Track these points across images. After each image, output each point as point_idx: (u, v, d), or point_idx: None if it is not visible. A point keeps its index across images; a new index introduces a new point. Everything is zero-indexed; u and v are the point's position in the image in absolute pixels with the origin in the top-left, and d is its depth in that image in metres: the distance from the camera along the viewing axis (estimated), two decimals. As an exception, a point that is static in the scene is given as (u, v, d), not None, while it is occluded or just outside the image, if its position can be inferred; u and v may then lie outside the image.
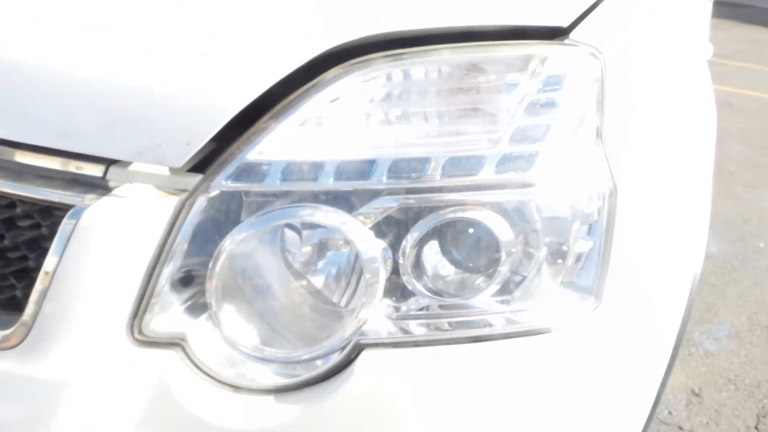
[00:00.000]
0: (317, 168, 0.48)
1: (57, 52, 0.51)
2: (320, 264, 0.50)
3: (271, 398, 0.48)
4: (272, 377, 0.48)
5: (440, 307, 0.49)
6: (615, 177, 0.50)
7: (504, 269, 0.49)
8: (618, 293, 0.51)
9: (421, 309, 0.49)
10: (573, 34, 0.51)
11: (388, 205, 0.48)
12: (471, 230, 0.49)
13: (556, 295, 0.50)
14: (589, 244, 0.50)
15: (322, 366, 0.48)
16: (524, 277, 0.49)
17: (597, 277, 0.51)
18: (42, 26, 0.53)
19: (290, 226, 0.49)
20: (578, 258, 0.50)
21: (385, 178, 0.47)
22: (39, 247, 0.49)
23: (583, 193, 0.50)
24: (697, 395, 1.68)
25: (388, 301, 0.49)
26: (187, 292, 0.49)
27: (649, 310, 0.55)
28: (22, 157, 0.51)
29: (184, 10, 0.55)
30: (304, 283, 0.50)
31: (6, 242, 0.51)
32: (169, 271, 0.47)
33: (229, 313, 0.48)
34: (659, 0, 0.66)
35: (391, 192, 0.47)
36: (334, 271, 0.50)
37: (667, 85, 0.59)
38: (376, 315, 0.48)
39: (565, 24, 0.51)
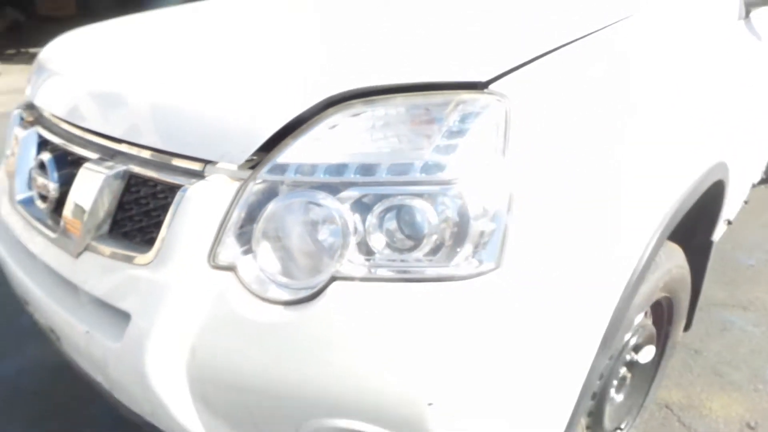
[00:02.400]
0: (318, 168, 0.79)
1: (185, 96, 0.90)
2: (319, 228, 0.80)
3: (281, 307, 0.79)
4: (283, 294, 0.79)
5: (388, 260, 0.77)
6: (513, 182, 0.75)
7: (431, 238, 0.75)
8: (512, 261, 0.75)
9: (376, 260, 0.77)
10: (491, 86, 0.77)
11: (357, 193, 0.77)
12: (410, 211, 0.76)
13: (467, 257, 0.75)
14: (492, 225, 0.75)
15: (313, 289, 0.78)
16: (443, 244, 0.75)
17: (497, 248, 0.75)
18: (174, 74, 0.92)
19: (302, 203, 0.81)
20: (484, 234, 0.75)
21: (353, 176, 0.76)
22: (165, 209, 0.86)
23: (488, 191, 0.75)
24: (752, 428, 1.68)
25: (358, 255, 0.78)
26: (240, 239, 0.82)
27: (538, 277, 0.77)
28: (163, 158, 0.89)
29: (248, 73, 0.91)
30: (308, 239, 0.80)
31: (150, 205, 0.89)
32: (231, 225, 0.81)
33: (263, 253, 0.81)
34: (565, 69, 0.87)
35: (358, 184, 0.77)
36: (326, 232, 0.80)
37: (567, 125, 0.81)
38: (347, 262, 0.77)
39: (484, 79, 0.77)
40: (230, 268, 0.81)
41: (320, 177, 0.78)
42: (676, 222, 1.04)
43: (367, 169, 0.77)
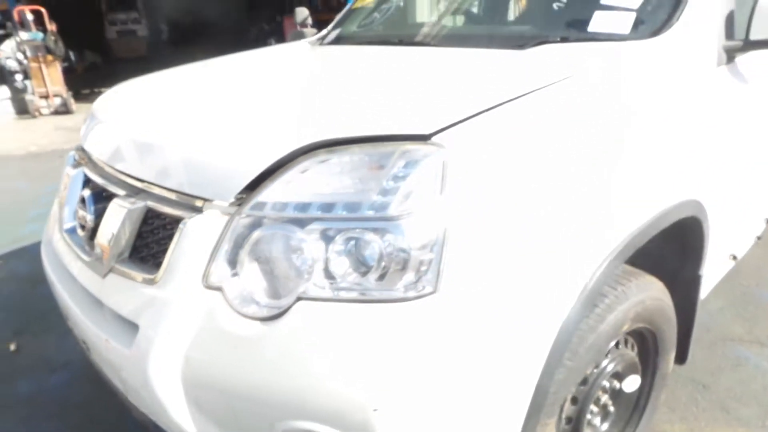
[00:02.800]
0: (289, 205, 0.94)
1: (191, 145, 1.08)
2: (289, 255, 0.95)
3: (257, 322, 0.94)
4: (260, 311, 0.94)
5: (345, 284, 0.91)
6: (449, 218, 0.88)
7: (380, 266, 0.89)
8: (449, 286, 0.87)
9: (335, 284, 0.91)
10: (434, 138, 0.91)
11: (320, 226, 0.92)
12: (362, 243, 0.90)
13: (409, 283, 0.88)
14: (430, 255, 0.88)
15: (282, 308, 0.92)
16: (389, 271, 0.88)
17: (435, 275, 0.87)
18: (185, 126, 1.11)
19: (277, 235, 0.96)
20: (423, 263, 0.88)
21: (317, 212, 0.92)
22: (170, 237, 1.04)
23: (426, 226, 0.88)
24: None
25: (320, 279, 0.92)
26: (228, 264, 0.98)
27: (475, 300, 0.88)
28: (173, 196, 1.08)
29: (239, 127, 1.09)
30: (280, 264, 0.95)
31: (161, 235, 1.07)
32: (221, 251, 0.98)
33: (245, 276, 0.96)
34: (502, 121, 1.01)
35: (321, 219, 0.92)
36: (294, 259, 0.95)
37: (504, 169, 0.94)
38: (311, 285, 0.92)
39: (427, 132, 0.91)
40: (219, 288, 0.98)
41: (291, 213, 0.94)
42: (629, 253, 1.13)
43: (327, 207, 0.92)
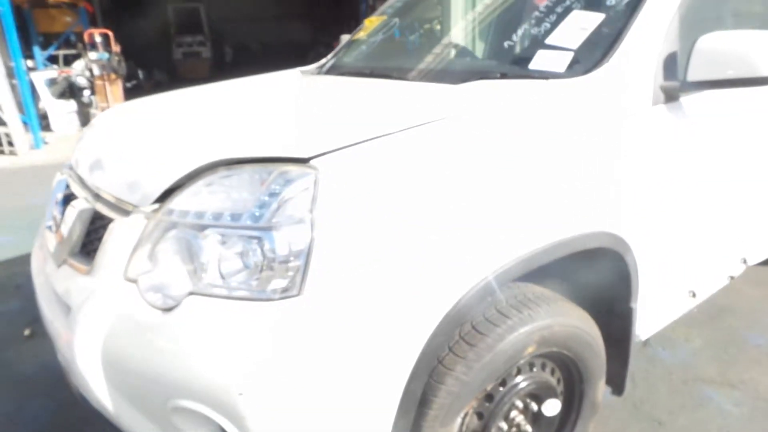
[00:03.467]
0: (191, 213, 1.09)
1: (130, 160, 1.26)
2: (187, 255, 1.09)
3: (159, 312, 1.08)
4: (162, 302, 1.09)
5: (227, 282, 1.04)
6: (317, 231, 1.00)
7: (256, 268, 1.02)
8: (312, 290, 0.99)
9: (219, 282, 1.05)
10: (312, 161, 1.04)
11: (212, 232, 1.06)
12: (243, 248, 1.04)
13: (277, 284, 1.00)
14: (297, 263, 1.00)
15: (178, 300, 1.07)
16: (262, 273, 1.01)
17: (300, 280, 0.99)
18: (134, 145, 1.30)
19: (180, 237, 1.11)
20: (290, 269, 1.00)
21: (210, 220, 1.06)
22: (102, 235, 1.21)
23: (294, 237, 1.00)
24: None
25: (209, 277, 1.06)
26: (143, 260, 1.14)
27: (338, 303, 1.00)
28: (112, 199, 1.26)
29: (164, 146, 1.26)
30: (180, 262, 1.10)
31: (101, 233, 1.25)
32: (138, 249, 1.14)
33: (155, 271, 1.11)
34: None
35: (213, 226, 1.06)
36: (191, 259, 1.09)
37: (372, 193, 1.05)
38: (201, 282, 1.06)
39: (305, 156, 1.04)
40: (135, 281, 1.13)
41: (192, 219, 1.09)
42: (514, 276, 1.20)
43: (218, 216, 1.06)
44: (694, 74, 1.50)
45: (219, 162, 1.11)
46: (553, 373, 1.51)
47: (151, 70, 14.04)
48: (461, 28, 2.32)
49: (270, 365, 0.99)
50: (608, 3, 1.66)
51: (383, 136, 1.11)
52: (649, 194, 1.52)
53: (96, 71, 7.86)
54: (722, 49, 1.47)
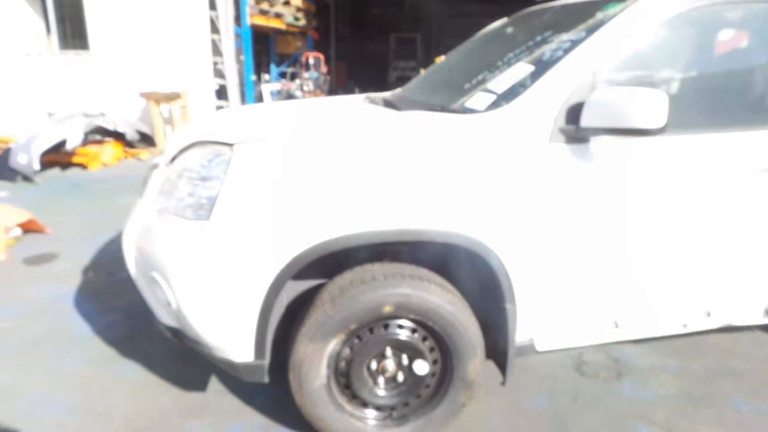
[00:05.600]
0: (180, 168, 1.88)
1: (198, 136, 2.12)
2: (169, 189, 1.88)
3: (155, 221, 1.89)
4: (158, 216, 1.90)
5: (181, 206, 1.79)
6: (225, 188, 1.69)
7: (193, 200, 1.75)
8: (216, 219, 1.68)
9: (178, 207, 1.81)
10: (234, 146, 1.73)
11: (183, 180, 1.83)
12: (196, 189, 1.78)
13: (199, 212, 1.72)
14: (210, 202, 1.70)
15: (161, 215, 1.86)
16: (195, 204, 1.74)
17: (209, 211, 1.69)
18: (198, 131, 2.15)
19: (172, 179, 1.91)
20: (206, 205, 1.70)
21: (186, 172, 1.83)
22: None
23: (210, 188, 1.71)
24: None
25: (174, 204, 1.83)
26: (157, 192, 1.96)
27: (229, 230, 1.67)
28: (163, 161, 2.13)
29: (200, 132, 2.08)
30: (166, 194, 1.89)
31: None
32: (159, 186, 1.97)
33: (158, 199, 1.93)
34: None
35: (188, 176, 1.83)
36: (171, 193, 1.87)
37: (269, 172, 1.68)
38: (171, 205, 1.83)
39: (231, 142, 1.74)
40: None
41: (177, 171, 1.87)
42: (350, 244, 1.71)
43: (188, 170, 1.82)
44: (586, 121, 1.78)
45: (195, 141, 1.88)
46: (425, 340, 1.92)
47: (367, 89, 16.13)
48: (451, 68, 2.75)
49: (188, 254, 1.71)
50: (543, 59, 2.01)
51: (287, 138, 1.75)
52: (530, 214, 1.83)
53: (306, 87, 9.64)
54: (607, 101, 1.74)
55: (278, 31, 10.55)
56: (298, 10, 9.91)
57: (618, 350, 2.69)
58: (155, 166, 2.23)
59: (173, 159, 2.00)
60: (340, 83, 15.80)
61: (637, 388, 2.40)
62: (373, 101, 2.52)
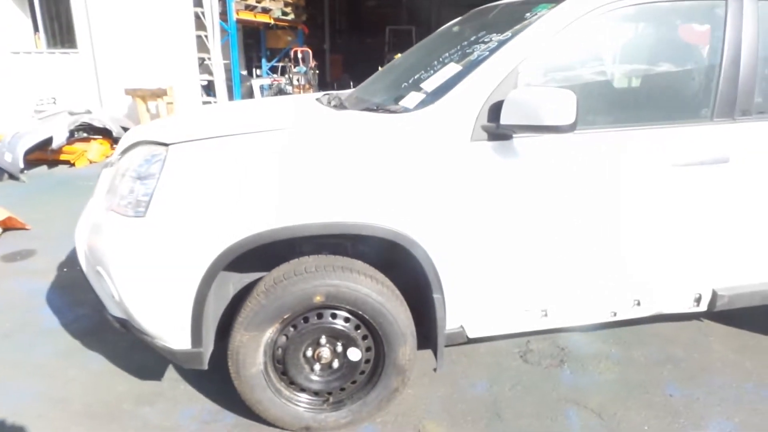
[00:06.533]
0: (124, 167, 1.97)
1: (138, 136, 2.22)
2: (114, 188, 1.98)
3: (102, 218, 1.99)
4: (105, 213, 1.99)
5: (122, 205, 1.89)
6: (161, 185, 1.78)
7: (133, 198, 1.85)
8: (151, 215, 1.78)
9: (120, 205, 1.91)
10: (170, 146, 1.83)
11: (125, 179, 1.93)
12: (131, 188, 1.88)
13: (137, 209, 1.81)
14: (146, 198, 1.80)
15: (107, 213, 1.96)
16: (133, 201, 1.83)
17: (146, 208, 1.79)
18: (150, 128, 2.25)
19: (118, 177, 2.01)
20: (143, 202, 1.80)
21: (127, 170, 1.93)
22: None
23: (146, 186, 1.80)
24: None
25: (117, 202, 1.92)
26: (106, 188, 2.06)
27: (162, 227, 1.76)
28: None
29: (145, 132, 2.17)
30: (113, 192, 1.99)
31: (103, 176, 2.23)
32: (107, 183, 2.07)
33: (107, 197, 2.03)
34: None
35: (130, 174, 1.93)
36: (117, 190, 1.97)
37: (206, 170, 1.77)
38: (114, 204, 1.93)
39: (167, 142, 1.83)
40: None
41: (122, 170, 1.97)
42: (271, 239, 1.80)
43: (129, 170, 1.92)
44: (505, 119, 1.87)
45: (137, 141, 1.97)
46: (357, 328, 2.02)
47: (362, 82, 16.16)
48: (400, 67, 2.82)
49: (127, 249, 1.81)
50: (471, 59, 2.09)
51: (219, 137, 1.85)
52: (455, 208, 1.92)
53: (295, 81, 9.72)
54: (522, 100, 1.83)
55: (268, 26, 10.62)
56: (287, 4, 9.98)
57: (565, 338, 2.78)
58: (109, 165, 2.33)
59: (120, 158, 2.09)
60: (335, 77, 15.86)
61: (577, 375, 2.50)
62: (321, 101, 2.61)
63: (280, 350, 2.01)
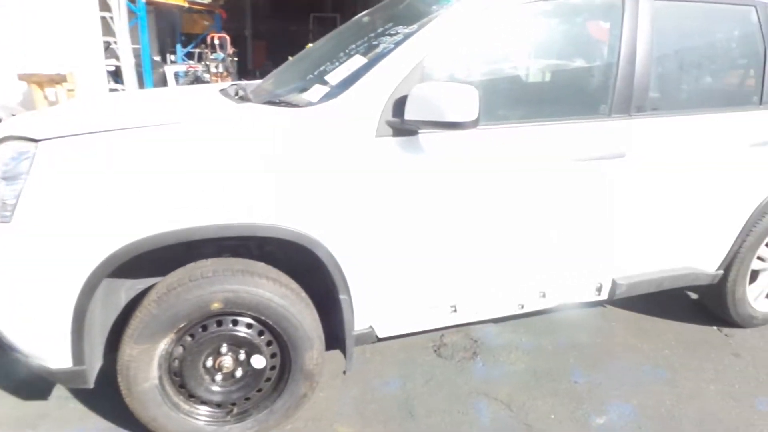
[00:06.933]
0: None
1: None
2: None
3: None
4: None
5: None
6: (28, 185, 1.58)
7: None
8: (17, 220, 1.57)
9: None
10: (39, 142, 1.63)
11: (-11, 179, 1.71)
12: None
13: (3, 213, 1.61)
14: (14, 201, 1.59)
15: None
16: (3, 206, 1.63)
17: (12, 212, 1.58)
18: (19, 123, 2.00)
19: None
20: (8, 205, 1.60)
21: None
22: None
23: (13, 187, 1.60)
24: None
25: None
26: None
27: (29, 232, 1.57)
28: None
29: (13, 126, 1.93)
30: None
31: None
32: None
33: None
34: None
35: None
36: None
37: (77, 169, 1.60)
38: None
39: (37, 138, 1.63)
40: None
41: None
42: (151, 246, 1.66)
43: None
44: (409, 115, 1.82)
45: (4, 136, 1.75)
46: (261, 334, 1.92)
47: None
48: (309, 57, 2.74)
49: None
50: (377, 51, 2.03)
51: (98, 132, 1.67)
52: (360, 207, 1.86)
53: (213, 69, 9.29)
54: (424, 95, 1.78)
55: (183, 9, 10.06)
56: (203, -13, 9.51)
57: (478, 330, 2.82)
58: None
59: None
60: (257, 65, 15.32)
61: (488, 367, 2.53)
62: (227, 92, 2.46)
63: (176, 362, 1.87)
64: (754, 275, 2.76)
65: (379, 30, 2.24)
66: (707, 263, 2.60)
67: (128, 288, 1.97)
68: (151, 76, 8.37)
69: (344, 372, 2.05)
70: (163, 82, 9.05)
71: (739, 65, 2.66)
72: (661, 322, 2.95)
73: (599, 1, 2.29)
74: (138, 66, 8.02)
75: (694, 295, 3.02)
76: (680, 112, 2.39)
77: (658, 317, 2.99)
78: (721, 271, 2.63)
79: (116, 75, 7.94)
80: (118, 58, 7.72)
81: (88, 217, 1.61)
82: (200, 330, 1.86)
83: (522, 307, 2.30)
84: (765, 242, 2.67)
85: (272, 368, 1.97)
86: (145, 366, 1.80)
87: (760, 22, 2.52)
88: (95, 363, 1.85)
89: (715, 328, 2.90)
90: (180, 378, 1.88)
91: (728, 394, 2.37)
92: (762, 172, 2.54)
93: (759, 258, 2.70)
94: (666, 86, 2.41)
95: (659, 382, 2.44)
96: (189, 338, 1.86)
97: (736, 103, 2.59)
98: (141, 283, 1.97)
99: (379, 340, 2.11)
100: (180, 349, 1.86)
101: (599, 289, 2.41)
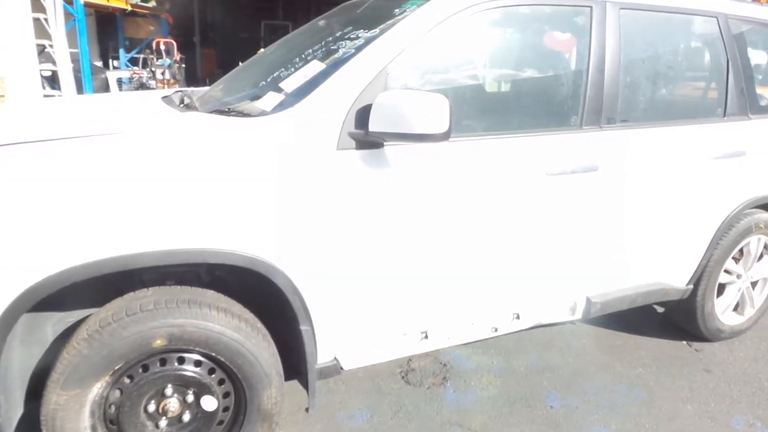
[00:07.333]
0: None
1: None
2: None
3: None
4: None
5: None
6: None
7: None
8: None
9: None
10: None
11: None
12: None
13: None
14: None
15: None
16: None
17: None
18: None
19: None
20: None
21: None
22: None
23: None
24: None
25: None
26: None
27: None
28: None
29: None
30: None
31: None
32: None
33: None
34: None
35: None
36: None
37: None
38: None
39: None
40: None
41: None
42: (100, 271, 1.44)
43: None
44: (373, 126, 1.65)
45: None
46: (212, 372, 1.69)
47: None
48: (260, 63, 2.55)
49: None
50: (336, 57, 1.86)
51: (19, 143, 1.43)
52: (320, 229, 1.67)
53: (159, 75, 8.88)
54: (391, 105, 1.62)
55: (125, 13, 9.60)
56: (148, -10, 9.09)
57: (447, 353, 2.67)
58: None
59: None
60: (207, 73, 14.84)
61: (459, 393, 2.38)
62: (171, 99, 2.22)
63: (113, 408, 1.61)
64: (721, 289, 2.74)
65: (338, 34, 2.07)
66: (678, 278, 2.55)
67: (56, 322, 1.71)
68: (91, 82, 7.88)
69: (306, 410, 1.85)
70: (105, 88, 8.55)
71: (702, 77, 2.65)
72: (631, 338, 2.89)
73: (568, 10, 2.21)
74: (77, 71, 7.54)
75: (660, 309, 2.99)
76: (649, 123, 2.33)
77: (627, 333, 2.93)
78: (691, 286, 2.59)
79: (53, 80, 7.43)
80: (54, 63, 7.22)
81: (2, 242, 1.36)
82: (140, 370, 1.61)
83: (496, 330, 2.16)
84: (732, 255, 2.65)
85: (225, 410, 1.74)
86: (74, 415, 1.55)
87: (721, 32, 2.51)
88: (13, 412, 1.59)
89: (684, 342, 2.87)
90: (117, 426, 1.63)
91: (705, 413, 2.31)
92: (727, 185, 2.52)
93: (726, 271, 2.68)
94: (634, 97, 2.35)
95: (636, 403, 2.35)
96: (127, 380, 1.61)
97: (702, 115, 2.57)
98: (71, 316, 1.71)
99: (343, 371, 1.93)
100: (117, 393, 1.61)
101: (573, 309, 2.31)
